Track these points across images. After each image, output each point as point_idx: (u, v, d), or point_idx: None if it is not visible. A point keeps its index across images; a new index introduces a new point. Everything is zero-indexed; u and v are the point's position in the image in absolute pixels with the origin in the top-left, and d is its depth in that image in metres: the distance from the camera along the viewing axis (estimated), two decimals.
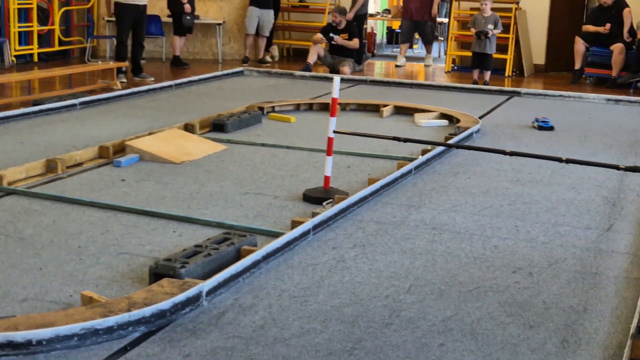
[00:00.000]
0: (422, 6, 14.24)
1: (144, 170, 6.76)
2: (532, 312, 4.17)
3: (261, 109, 9.25)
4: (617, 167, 5.85)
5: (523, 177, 6.86)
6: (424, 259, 4.88)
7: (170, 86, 11.21)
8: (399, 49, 16.05)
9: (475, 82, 12.74)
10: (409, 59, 15.48)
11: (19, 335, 3.50)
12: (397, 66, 14.38)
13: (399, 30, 15.82)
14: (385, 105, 9.74)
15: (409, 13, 14.53)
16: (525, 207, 6.02)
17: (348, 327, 3.91)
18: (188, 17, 13.38)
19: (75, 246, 4.91)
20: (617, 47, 12.87)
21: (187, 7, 13.24)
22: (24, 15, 13.59)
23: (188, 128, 8.06)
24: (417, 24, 14.57)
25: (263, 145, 7.78)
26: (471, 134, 8.36)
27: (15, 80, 10.79)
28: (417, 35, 15.91)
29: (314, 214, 5.42)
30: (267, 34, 14.46)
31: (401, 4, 14.35)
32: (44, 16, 14.05)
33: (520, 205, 6.08)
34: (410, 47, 16.44)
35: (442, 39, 17.46)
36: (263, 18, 14.31)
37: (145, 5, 12.06)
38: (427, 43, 14.94)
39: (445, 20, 17.12)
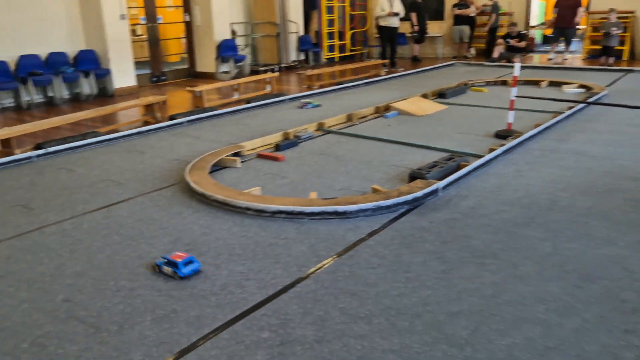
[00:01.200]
0: (568, 16, 12.85)
1: (401, 120, 6.73)
2: None
3: (466, 84, 8.87)
4: None
5: (637, 123, 6.12)
6: (572, 172, 4.53)
7: (411, 73, 11.00)
8: (550, 47, 14.80)
9: (602, 64, 11.46)
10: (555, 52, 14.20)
11: (340, 208, 3.66)
12: (549, 59, 13.08)
13: (551, 35, 14.32)
14: (542, 81, 9.01)
15: (558, 22, 13.19)
16: (638, 141, 5.40)
17: (525, 210, 3.75)
18: (416, 34, 13.15)
19: (365, 161, 5.00)
20: None
21: (415, 28, 13.01)
22: (330, 35, 13.83)
23: (424, 96, 7.91)
24: (564, 30, 13.18)
25: (469, 105, 7.47)
26: (601, 97, 7.55)
27: (326, 72, 11.02)
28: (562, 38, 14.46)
29: (502, 145, 5.18)
30: (466, 40, 13.85)
31: (553, 16, 12.96)
32: (341, 35, 14.23)
33: (637, 140, 5.45)
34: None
35: (578, 38, 15.87)
36: (462, 31, 13.70)
37: (396, 27, 11.92)
38: (568, 43, 13.47)
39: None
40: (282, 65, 12.59)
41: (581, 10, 12.27)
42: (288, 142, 5.54)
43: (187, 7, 11.57)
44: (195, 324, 2.52)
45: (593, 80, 9.15)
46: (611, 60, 11.60)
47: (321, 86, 9.64)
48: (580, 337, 2.36)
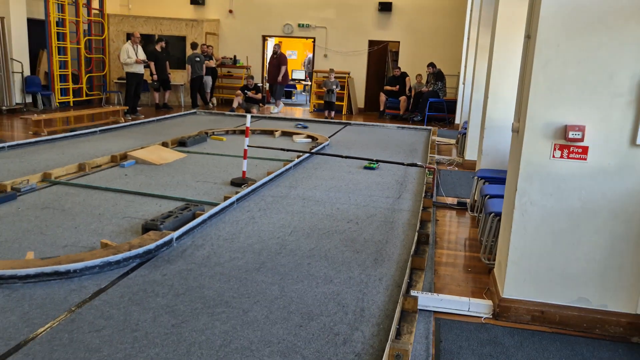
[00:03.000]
0: (273, 74, 14.06)
1: (138, 169, 6.52)
2: (359, 244, 4.25)
3: (206, 133, 9.06)
4: (402, 164, 6.01)
5: (352, 170, 6.94)
6: (299, 216, 4.89)
7: (153, 121, 10.83)
8: (285, 99, 16.13)
9: (326, 118, 12.83)
10: (288, 104, 15.50)
11: (62, 267, 3.35)
12: (271, 112, 13.99)
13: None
14: (276, 130, 9.69)
15: (268, 79, 14.36)
16: (353, 186, 6.10)
17: (256, 256, 3.90)
18: (155, 83, 13.12)
19: (97, 213, 4.71)
20: (402, 98, 13.21)
21: (154, 77, 12.99)
22: (63, 78, 12.87)
23: (164, 144, 7.82)
24: (271, 86, 14.39)
25: (207, 154, 7.61)
26: (324, 146, 8.42)
27: (58, 117, 10.18)
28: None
29: (236, 192, 5.37)
30: (208, 90, 14.22)
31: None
32: (76, 79, 13.35)
33: (351, 185, 6.15)
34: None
35: (306, 93, 17.58)
36: (206, 81, 14.06)
37: (142, 74, 11.71)
38: (277, 97, 14.63)
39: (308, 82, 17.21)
40: (4, 108, 11.24)
41: (283, 69, 13.65)
42: (4, 196, 4.91)
43: None
44: None
45: (319, 131, 10.17)
46: (332, 114, 13.05)
47: (51, 133, 8.84)
48: None
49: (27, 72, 12.12)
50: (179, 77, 14.40)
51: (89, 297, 3.13)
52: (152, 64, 12.87)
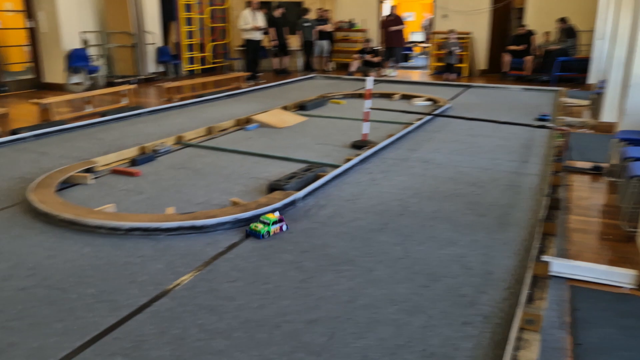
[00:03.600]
0: (393, 37, 13.75)
1: (261, 132, 6.76)
2: (483, 207, 4.14)
3: (325, 97, 9.16)
4: (531, 125, 5.71)
5: (475, 133, 6.70)
6: (420, 179, 4.84)
7: (273, 86, 11.14)
8: (404, 62, 15.91)
9: (446, 80, 12.45)
10: (405, 68, 15.22)
11: (198, 222, 3.58)
12: (382, 75, 13.74)
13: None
14: (395, 94, 9.57)
15: (387, 42, 14.05)
16: (476, 149, 5.91)
17: (379, 217, 3.93)
18: (275, 48, 13.41)
19: (225, 174, 4.96)
20: (528, 58, 12.46)
21: (274, 43, 13.29)
22: (190, 47, 13.59)
23: (285, 108, 8.03)
24: (391, 49, 14.05)
25: (327, 117, 7.71)
26: (446, 109, 8.20)
27: (186, 84, 10.79)
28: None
29: (357, 154, 5.39)
30: (326, 54, 14.34)
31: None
32: (201, 47, 14.04)
33: (474, 148, 5.96)
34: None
35: (425, 55, 17.12)
36: (322, 45, 14.18)
37: (259, 40, 12.01)
38: (396, 60, 14.31)
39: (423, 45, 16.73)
40: (140, 77, 12.11)
41: (399, 31, 13.25)
42: (145, 157, 5.33)
43: (30, 13, 10.71)
44: (36, 356, 2.32)
45: (438, 94, 9.90)
46: (453, 76, 12.63)
47: (181, 99, 9.41)
48: (425, 333, 2.52)
49: (159, 43, 12.91)
50: (296, 42, 14.60)
51: (222, 250, 3.34)
52: (272, 30, 13.17)
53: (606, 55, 7.59)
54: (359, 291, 2.88)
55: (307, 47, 13.87)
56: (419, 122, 6.99)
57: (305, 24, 13.49)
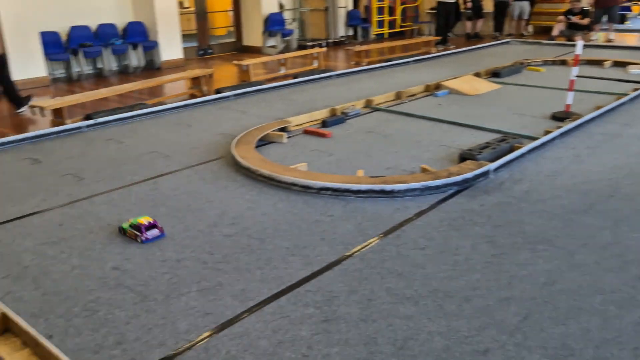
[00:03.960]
0: None
1: (451, 99, 6.62)
2: None
3: (522, 63, 8.62)
4: None
5: None
6: (636, 158, 4.36)
7: (464, 51, 10.77)
8: (618, 25, 14.33)
9: None
10: (620, 31, 13.60)
11: (388, 187, 3.63)
12: (591, 39, 12.35)
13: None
14: (606, 60, 8.67)
15: (599, 2, 12.57)
16: None
17: (583, 197, 3.64)
18: (469, 11, 12.86)
19: (415, 140, 4.96)
20: None
21: (468, 4, 12.71)
22: (380, 10, 13.66)
23: (477, 75, 7.74)
24: (606, 9, 12.53)
25: (524, 85, 7.28)
26: None
27: (375, 48, 10.92)
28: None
29: (559, 127, 5.04)
30: (525, 17, 13.43)
31: None
32: (391, 11, 14.05)
33: None
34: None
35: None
36: (522, 7, 13.28)
37: (454, 3, 11.64)
38: (612, 21, 12.74)
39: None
40: (330, 40, 12.52)
41: None
42: (335, 119, 5.52)
43: None
44: (240, 297, 2.57)
45: None
46: None
47: (369, 63, 9.55)
48: None
49: (350, 7, 13.19)
50: (491, 4, 13.87)
51: (411, 217, 3.35)
52: None
53: None
54: (559, 274, 2.71)
55: (500, 7, 13.11)
56: (635, 93, 6.26)
57: None
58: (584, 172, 4.07)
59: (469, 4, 12.87)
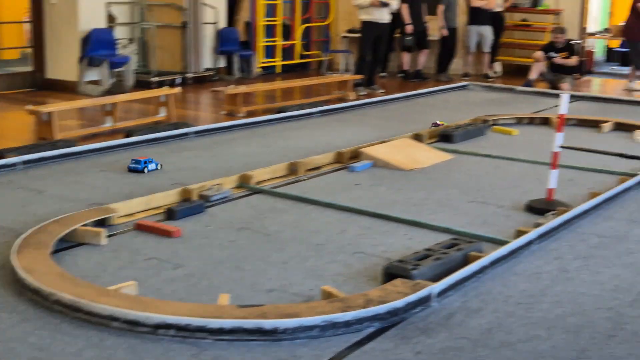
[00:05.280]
0: (634, 25, 13.43)
1: (376, 175, 6.81)
2: None
3: (485, 121, 9.11)
4: None
5: None
6: None
7: (399, 98, 11.25)
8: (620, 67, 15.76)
9: None
10: (624, 76, 14.87)
11: (267, 323, 3.60)
12: (630, 90, 13.33)
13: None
14: (605, 121, 9.34)
15: (624, 32, 13.81)
16: None
17: (572, 337, 3.78)
18: (408, 38, 13.56)
19: (315, 244, 5.00)
20: None
21: (408, 28, 13.41)
22: (270, 30, 14.09)
23: (417, 138, 8.04)
24: (630, 44, 13.69)
25: (487, 156, 7.65)
26: None
27: (260, 89, 11.16)
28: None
29: (537, 225, 5.27)
30: (487, 49, 14.35)
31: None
32: (287, 32, 14.52)
33: None
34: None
35: None
36: (481, 35, 14.20)
37: (387, 24, 12.20)
38: (635, 64, 13.86)
39: None
40: (189, 75, 12.66)
41: None
42: (189, 207, 5.51)
43: None
44: None
45: None
46: None
47: (250, 114, 9.69)
48: None
49: (222, 24, 13.47)
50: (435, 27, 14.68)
51: None
52: (405, 8, 13.35)
53: None
54: None
55: (449, 36, 13.96)
56: None
57: None
58: (573, 297, 4.24)
59: (410, 28, 13.52)
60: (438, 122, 9.38)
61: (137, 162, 6.60)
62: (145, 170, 6.60)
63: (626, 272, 4.66)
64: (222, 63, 13.58)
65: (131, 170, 6.60)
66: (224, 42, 13.44)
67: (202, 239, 5.02)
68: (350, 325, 3.71)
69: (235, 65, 13.50)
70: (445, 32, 13.91)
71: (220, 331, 3.58)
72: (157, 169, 6.69)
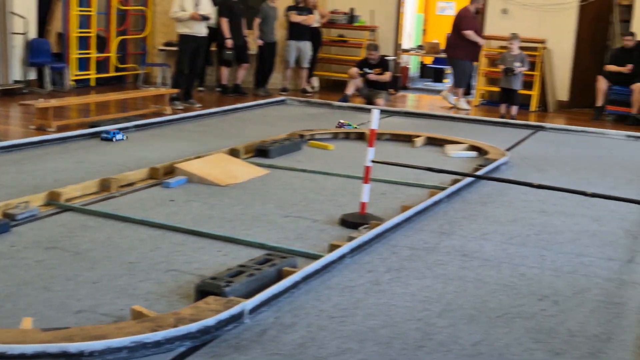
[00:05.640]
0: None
1: (191, 191, 6.76)
2: (559, 339, 4.11)
3: (302, 136, 9.23)
4: (639, 202, 5.76)
5: (548, 209, 6.76)
6: (455, 285, 4.83)
7: (216, 112, 11.22)
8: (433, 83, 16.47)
9: (502, 116, 12.69)
10: (437, 92, 15.54)
11: (73, 347, 3.49)
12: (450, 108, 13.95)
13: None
14: (417, 136, 9.68)
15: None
16: (550, 237, 5.94)
17: (383, 349, 3.87)
18: (228, 52, 13.56)
19: (127, 262, 4.92)
20: (637, 87, 12.79)
21: (228, 43, 13.41)
22: (84, 42, 13.74)
23: (233, 153, 8.04)
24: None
25: (303, 171, 7.75)
26: (499, 166, 8.28)
27: (73, 103, 10.87)
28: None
29: (350, 238, 5.38)
30: (306, 65, 14.56)
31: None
32: (102, 44, 14.22)
33: (546, 235, 6.00)
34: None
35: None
36: (301, 50, 14.41)
37: (205, 37, 12.18)
38: (456, 84, 14.55)
39: None
40: None
41: (470, 35, 13.46)
42: None
43: None
44: None
45: (489, 138, 10.04)
46: (514, 110, 12.86)
47: (62, 129, 9.40)
48: None
49: (32, 34, 13.02)
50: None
51: None
52: (224, 22, 13.35)
53: None
54: None
55: (267, 51, 14.09)
56: (454, 187, 7.04)
57: (272, 13, 13.79)
58: (385, 309, 4.36)
59: (230, 42, 13.49)
60: (342, 122, 10.00)
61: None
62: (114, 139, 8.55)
63: (436, 283, 4.83)
64: (33, 75, 13.12)
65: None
66: (35, 53, 13.00)
67: (6, 260, 4.83)
68: (160, 345, 3.65)
69: (46, 77, 13.06)
70: (260, 42, 13.98)
71: (22, 357, 3.43)
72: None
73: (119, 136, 8.47)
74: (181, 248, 5.23)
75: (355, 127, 10.04)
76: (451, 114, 12.90)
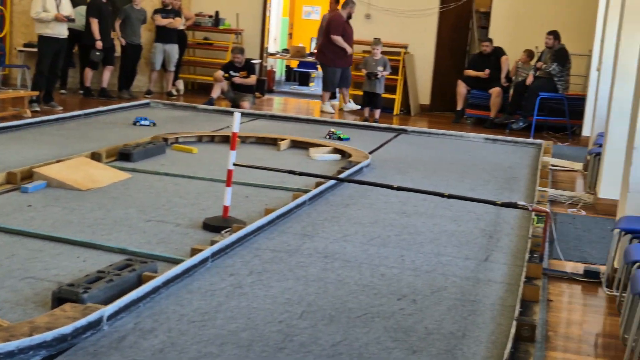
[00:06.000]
0: (320, 47, 14.24)
1: (50, 196, 6.61)
2: (416, 337, 4.22)
3: (165, 139, 9.15)
4: (494, 203, 5.97)
5: (408, 210, 6.93)
6: (316, 286, 4.89)
7: (79, 115, 10.97)
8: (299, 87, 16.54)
9: (365, 120, 12.89)
10: (303, 95, 15.67)
11: None
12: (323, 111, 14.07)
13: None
14: (282, 139, 9.75)
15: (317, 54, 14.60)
16: (410, 238, 6.09)
17: (244, 352, 3.91)
18: (97, 53, 13.26)
19: None
20: (495, 91, 13.20)
21: (98, 44, 13.12)
22: None
23: (95, 157, 7.89)
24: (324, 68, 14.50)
25: (166, 174, 7.70)
26: (361, 168, 8.43)
27: None
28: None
29: (212, 242, 5.38)
30: (172, 68, 14.41)
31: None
32: None
33: (406, 235, 6.15)
34: None
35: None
36: (167, 53, 14.25)
37: (65, 39, 11.88)
38: (325, 88, 14.71)
39: None
40: None
41: (338, 40, 13.62)
42: None
43: None
44: None
45: (353, 142, 10.22)
46: (377, 113, 13.10)
47: None
48: None
49: None
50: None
51: None
52: (94, 23, 13.03)
53: (607, 96, 8.20)
54: None
55: (131, 53, 13.89)
56: (318, 190, 7.14)
57: (136, 16, 13.60)
58: (246, 312, 4.39)
59: (100, 44, 13.15)
60: (332, 130, 10.25)
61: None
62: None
63: (297, 285, 4.90)
64: None
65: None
66: None
67: None
68: (14, 355, 3.57)
69: None
70: (123, 41, 13.73)
71: None
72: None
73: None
74: (39, 254, 5.11)
75: (346, 138, 10.45)
76: (317, 117, 13.03)
